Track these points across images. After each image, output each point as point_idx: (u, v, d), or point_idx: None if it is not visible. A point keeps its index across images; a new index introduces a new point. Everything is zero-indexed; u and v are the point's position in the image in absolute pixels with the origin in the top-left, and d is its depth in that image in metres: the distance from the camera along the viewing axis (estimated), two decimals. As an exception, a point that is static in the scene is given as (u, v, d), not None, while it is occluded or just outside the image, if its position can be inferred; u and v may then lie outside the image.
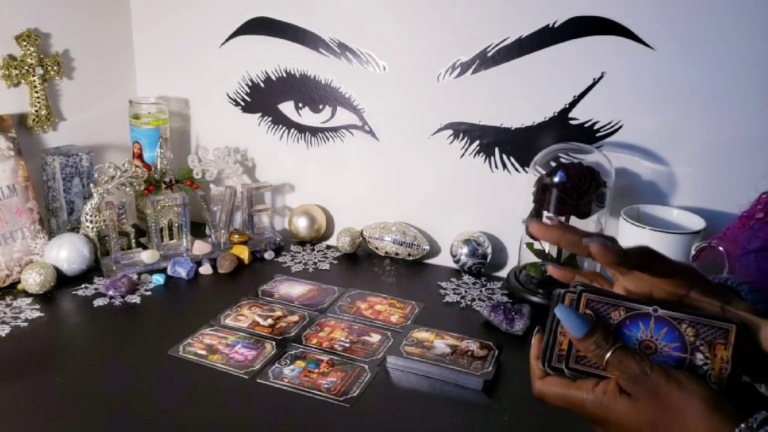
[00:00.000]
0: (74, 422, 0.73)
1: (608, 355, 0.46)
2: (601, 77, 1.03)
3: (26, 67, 1.10)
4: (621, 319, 0.48)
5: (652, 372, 0.45)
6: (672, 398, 0.44)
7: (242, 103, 1.30)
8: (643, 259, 0.49)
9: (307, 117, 1.25)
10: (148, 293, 1.04)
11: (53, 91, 1.17)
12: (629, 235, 0.97)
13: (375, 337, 0.93)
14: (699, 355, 0.47)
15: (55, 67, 1.14)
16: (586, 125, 1.06)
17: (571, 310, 0.48)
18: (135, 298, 1.02)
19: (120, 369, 0.83)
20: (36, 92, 1.12)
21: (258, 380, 0.82)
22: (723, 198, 1.02)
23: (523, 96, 1.08)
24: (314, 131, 1.25)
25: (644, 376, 0.45)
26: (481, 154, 1.14)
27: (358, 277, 1.15)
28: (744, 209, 0.70)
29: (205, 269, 1.13)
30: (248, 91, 1.28)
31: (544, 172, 1.02)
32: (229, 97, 1.30)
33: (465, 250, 1.14)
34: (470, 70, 1.10)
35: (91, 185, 1.12)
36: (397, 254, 1.20)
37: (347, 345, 0.91)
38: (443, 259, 1.22)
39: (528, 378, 0.84)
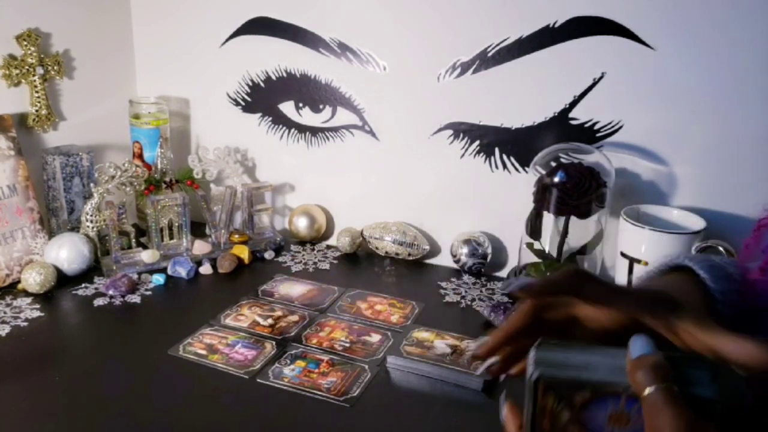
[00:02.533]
0: (74, 422, 0.73)
1: (649, 390, 0.41)
2: (601, 77, 1.03)
3: (26, 67, 1.10)
4: (586, 400, 0.43)
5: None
6: None
7: (242, 103, 1.30)
8: (572, 281, 0.47)
9: (307, 117, 1.25)
10: (148, 293, 1.04)
11: (53, 90, 1.17)
12: (629, 235, 0.97)
13: (375, 337, 0.93)
14: None
15: (55, 67, 1.14)
16: (586, 125, 1.06)
17: (644, 337, 0.45)
18: (135, 298, 1.02)
19: (120, 369, 0.83)
20: (36, 92, 1.12)
21: (258, 380, 0.82)
22: (723, 198, 1.02)
23: (523, 96, 1.08)
24: (314, 131, 1.25)
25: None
26: (481, 154, 1.14)
27: (358, 277, 1.15)
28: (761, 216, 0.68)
29: (205, 269, 1.13)
30: (248, 91, 1.28)
31: (544, 172, 1.02)
32: (229, 97, 1.30)
33: (465, 250, 1.14)
34: (470, 70, 1.10)
35: (92, 185, 1.12)
36: (397, 254, 1.20)
37: (347, 345, 0.91)
38: (443, 259, 1.22)
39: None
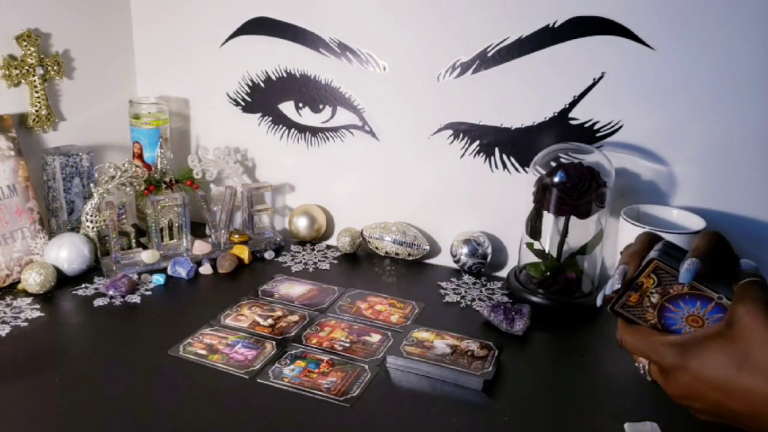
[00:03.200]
0: (74, 422, 0.73)
1: (745, 280, 0.45)
2: (601, 77, 1.03)
3: (26, 67, 1.10)
4: (680, 293, 0.48)
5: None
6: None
7: (242, 103, 1.30)
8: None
9: (307, 117, 1.25)
10: (148, 293, 1.04)
11: (53, 91, 1.17)
12: (629, 235, 0.97)
13: (375, 337, 0.93)
14: None
15: (55, 67, 1.14)
16: (586, 125, 1.06)
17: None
18: (135, 298, 1.02)
19: (120, 369, 0.83)
20: (36, 92, 1.12)
21: (258, 380, 0.82)
22: (723, 198, 1.02)
23: (523, 96, 1.08)
24: (314, 131, 1.25)
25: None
26: (481, 154, 1.14)
27: (358, 277, 1.15)
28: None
29: (205, 269, 1.13)
30: (248, 91, 1.28)
31: (544, 172, 1.02)
32: (229, 97, 1.30)
33: (465, 250, 1.14)
34: (470, 70, 1.10)
35: (92, 185, 1.12)
36: (397, 254, 1.20)
37: (347, 345, 0.91)
38: (443, 259, 1.22)
39: (528, 378, 0.85)
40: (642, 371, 0.54)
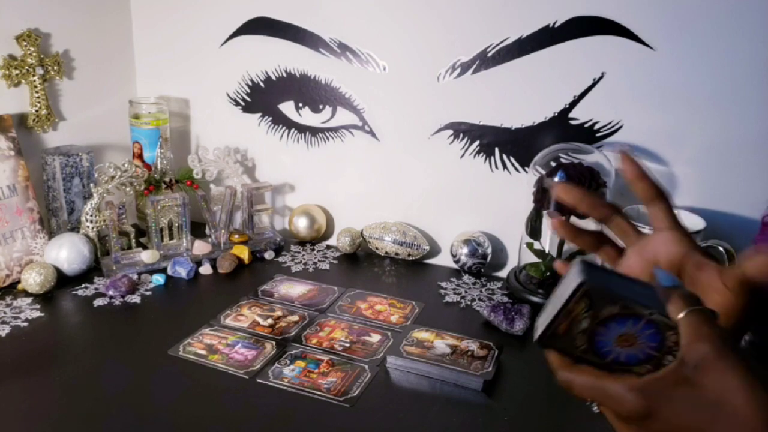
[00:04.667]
0: (74, 422, 0.73)
1: (688, 310, 0.42)
2: (601, 77, 1.03)
3: (26, 67, 1.10)
4: (612, 315, 0.45)
5: (727, 342, 0.40)
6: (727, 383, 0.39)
7: (242, 103, 1.30)
8: (595, 241, 0.53)
9: (307, 117, 1.25)
10: (148, 293, 1.04)
11: (53, 91, 1.17)
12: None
13: (375, 337, 0.93)
14: (669, 357, 0.46)
15: (55, 67, 1.14)
16: (586, 125, 1.06)
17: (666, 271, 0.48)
18: (135, 298, 1.02)
19: (120, 369, 0.83)
20: (36, 92, 1.12)
21: (258, 380, 0.82)
22: (723, 198, 1.02)
23: (523, 96, 1.08)
24: (314, 131, 1.25)
25: (721, 341, 0.40)
26: (481, 154, 1.14)
27: (358, 277, 1.15)
28: (763, 213, 0.69)
29: (205, 269, 1.13)
30: (248, 91, 1.28)
31: (544, 172, 1.02)
32: (229, 97, 1.30)
33: (465, 250, 1.14)
34: (470, 70, 1.10)
35: (91, 185, 1.12)
36: (397, 254, 1.20)
37: (347, 345, 0.91)
38: (443, 259, 1.22)
39: (528, 378, 0.85)
40: (594, 409, 0.52)
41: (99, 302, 1.00)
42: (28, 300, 0.99)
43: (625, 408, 0.42)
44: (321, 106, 1.23)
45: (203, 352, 0.87)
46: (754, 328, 0.52)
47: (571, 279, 0.46)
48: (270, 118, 1.28)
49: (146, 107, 1.26)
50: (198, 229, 1.24)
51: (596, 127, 1.06)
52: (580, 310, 0.46)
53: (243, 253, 1.16)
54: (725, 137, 0.99)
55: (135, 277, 1.07)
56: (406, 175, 1.21)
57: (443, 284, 1.12)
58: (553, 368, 0.47)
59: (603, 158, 1.02)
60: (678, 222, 0.53)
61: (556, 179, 0.99)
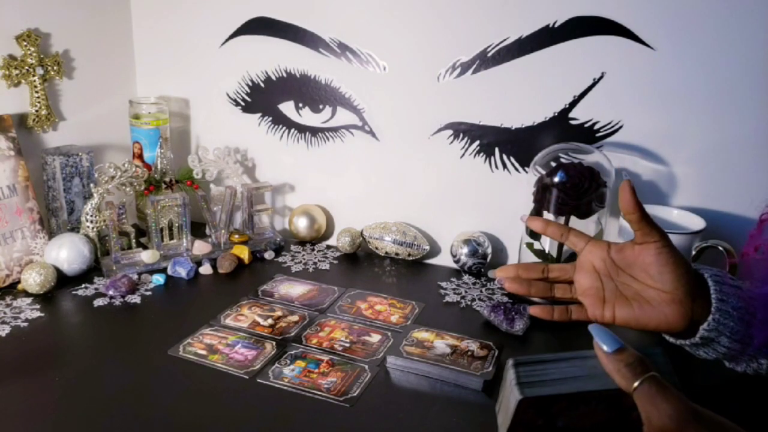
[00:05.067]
0: (74, 422, 0.73)
1: (638, 382, 0.45)
2: (601, 77, 1.03)
3: (26, 67, 1.10)
4: (562, 407, 0.47)
5: (687, 412, 0.43)
6: None
7: (242, 103, 1.30)
8: (561, 230, 0.73)
9: (307, 117, 1.25)
10: (148, 293, 1.04)
11: (53, 91, 1.17)
12: (630, 235, 0.97)
13: (375, 337, 0.93)
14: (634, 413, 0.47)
15: (55, 67, 1.14)
16: (586, 125, 1.06)
17: (602, 327, 0.49)
18: (135, 298, 1.02)
19: (120, 369, 0.83)
20: (36, 92, 1.12)
21: (258, 380, 0.82)
22: (723, 198, 1.02)
23: (523, 96, 1.08)
24: (314, 131, 1.25)
25: (681, 414, 0.43)
26: (481, 154, 1.14)
27: (358, 277, 1.15)
28: (761, 212, 0.71)
29: (205, 269, 1.13)
30: (248, 91, 1.28)
31: (544, 172, 1.02)
32: (229, 97, 1.30)
33: (465, 250, 1.14)
34: (470, 70, 1.10)
35: (91, 185, 1.12)
36: (397, 254, 1.20)
37: (347, 345, 0.91)
38: (443, 259, 1.22)
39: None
40: None
41: (99, 302, 1.00)
42: (28, 300, 0.99)
43: None
44: (321, 106, 1.23)
45: (203, 352, 0.87)
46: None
47: (511, 392, 0.48)
48: (270, 118, 1.28)
49: (146, 107, 1.26)
50: (198, 229, 1.24)
51: (596, 127, 1.06)
52: (530, 417, 0.48)
53: (243, 253, 1.16)
54: (725, 137, 0.99)
55: (135, 277, 1.07)
56: (406, 175, 1.21)
57: (443, 284, 1.12)
58: None
59: (603, 158, 1.02)
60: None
61: (556, 179, 0.99)
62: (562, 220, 1.02)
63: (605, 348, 0.47)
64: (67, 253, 1.05)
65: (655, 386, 0.44)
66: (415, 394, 0.81)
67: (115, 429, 0.72)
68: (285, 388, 0.80)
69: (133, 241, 1.15)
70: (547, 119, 1.08)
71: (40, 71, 1.11)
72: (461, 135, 1.14)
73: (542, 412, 0.47)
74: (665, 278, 0.63)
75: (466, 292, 1.09)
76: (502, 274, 0.71)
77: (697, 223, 0.98)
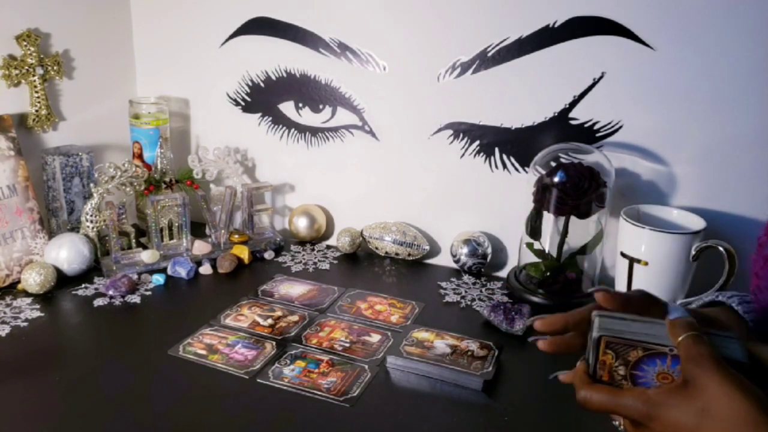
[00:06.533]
0: (74, 422, 0.73)
1: (683, 336, 0.50)
2: (601, 77, 1.03)
3: (26, 67, 1.10)
4: (639, 357, 0.52)
5: (713, 360, 0.48)
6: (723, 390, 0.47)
7: (242, 103, 1.30)
8: (643, 302, 0.56)
9: (307, 117, 1.25)
10: (148, 293, 1.04)
11: (53, 91, 1.17)
12: (629, 235, 0.97)
13: (375, 337, 0.93)
14: None
15: (55, 67, 1.14)
16: (586, 125, 1.06)
17: (676, 305, 0.54)
18: (135, 298, 1.02)
19: (120, 369, 0.83)
20: (36, 92, 1.12)
21: (258, 380, 0.82)
22: (723, 198, 1.02)
23: (523, 96, 1.08)
24: (314, 131, 1.25)
25: (708, 359, 0.48)
26: (481, 154, 1.14)
27: (358, 277, 1.15)
28: None
29: (205, 269, 1.13)
30: (248, 91, 1.28)
31: (544, 172, 1.02)
32: (229, 97, 1.30)
33: (465, 250, 1.14)
34: (470, 70, 1.10)
35: (91, 185, 1.12)
36: (397, 254, 1.20)
37: (347, 345, 0.91)
38: (443, 259, 1.22)
39: (528, 378, 0.85)
40: (619, 426, 0.59)
41: (99, 302, 1.00)
42: (28, 300, 0.99)
43: (635, 412, 0.50)
44: (321, 106, 1.23)
45: (203, 352, 0.87)
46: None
47: (594, 332, 0.53)
48: (270, 118, 1.28)
49: (146, 107, 1.26)
50: (198, 229, 1.24)
51: (596, 127, 1.06)
52: (610, 360, 0.53)
53: (243, 253, 1.16)
54: (725, 137, 0.99)
55: (135, 277, 1.07)
56: (406, 175, 1.21)
57: (443, 284, 1.12)
58: (576, 386, 0.54)
59: (603, 158, 1.02)
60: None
61: (556, 179, 0.99)
62: (562, 220, 1.03)
63: (669, 315, 0.52)
64: (67, 253, 1.05)
65: (694, 340, 0.49)
66: (415, 394, 0.81)
67: (115, 428, 0.72)
68: (285, 388, 0.80)
69: (133, 241, 1.15)
70: (547, 119, 1.08)
71: (40, 71, 1.11)
72: (461, 135, 1.14)
73: (620, 356, 0.52)
74: None
75: (466, 292, 1.09)
76: (540, 326, 0.60)
77: (697, 223, 0.98)
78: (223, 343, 0.90)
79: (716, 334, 0.53)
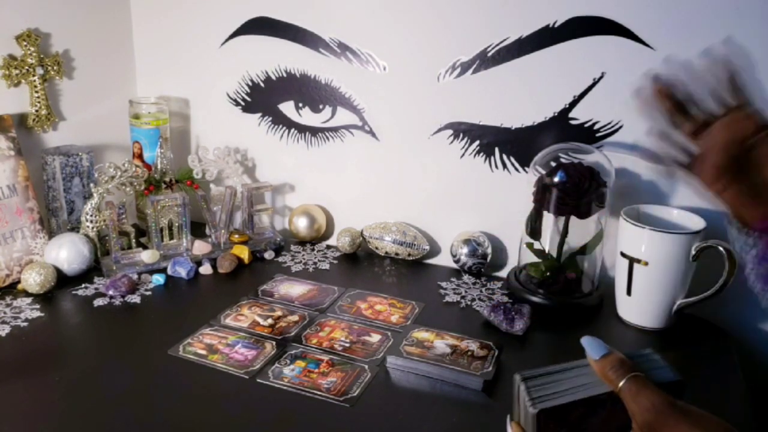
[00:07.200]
0: (74, 422, 0.73)
1: (622, 382, 0.49)
2: (601, 77, 1.03)
3: (26, 67, 1.10)
4: (581, 414, 0.50)
5: (664, 405, 0.47)
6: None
7: (242, 103, 1.30)
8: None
9: (307, 117, 1.25)
10: (148, 293, 1.04)
11: (53, 91, 1.17)
12: (629, 235, 0.97)
13: (375, 337, 0.93)
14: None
15: (55, 67, 1.14)
16: (586, 125, 1.06)
17: (591, 337, 0.52)
18: (135, 298, 1.02)
19: (120, 369, 0.83)
20: (36, 92, 1.12)
21: (258, 380, 0.82)
22: (723, 198, 1.01)
23: (523, 96, 1.08)
24: (314, 131, 1.25)
25: (659, 407, 0.47)
26: (481, 154, 1.14)
27: (358, 277, 1.15)
28: None
29: (205, 269, 1.13)
30: (248, 91, 1.28)
31: (544, 172, 1.02)
32: (229, 97, 1.30)
33: (465, 250, 1.14)
34: (470, 70, 1.10)
35: (91, 185, 1.12)
36: (397, 254, 1.20)
37: (347, 345, 0.91)
38: (443, 259, 1.22)
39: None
40: None
41: (99, 302, 1.00)
42: (28, 300, 0.99)
43: None
44: (321, 106, 1.23)
45: (203, 352, 0.87)
46: None
47: (526, 408, 0.50)
48: (270, 118, 1.28)
49: (146, 107, 1.26)
50: (198, 229, 1.24)
51: (596, 127, 1.06)
52: (552, 428, 0.50)
53: (243, 253, 1.16)
54: (725, 137, 0.99)
55: (135, 277, 1.07)
56: (406, 175, 1.21)
57: (443, 284, 1.12)
58: None
59: (603, 158, 1.02)
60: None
61: (556, 179, 0.99)
62: (562, 220, 1.03)
63: (593, 356, 0.51)
64: (67, 253, 1.05)
65: (635, 384, 0.48)
66: (415, 394, 0.81)
67: (115, 428, 0.72)
68: (285, 388, 0.80)
69: (133, 241, 1.15)
70: (547, 119, 1.08)
71: (40, 71, 1.11)
72: (461, 135, 1.14)
73: (562, 421, 0.50)
74: None
75: (466, 292, 1.09)
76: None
77: (697, 223, 0.98)
78: (223, 343, 0.90)
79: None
